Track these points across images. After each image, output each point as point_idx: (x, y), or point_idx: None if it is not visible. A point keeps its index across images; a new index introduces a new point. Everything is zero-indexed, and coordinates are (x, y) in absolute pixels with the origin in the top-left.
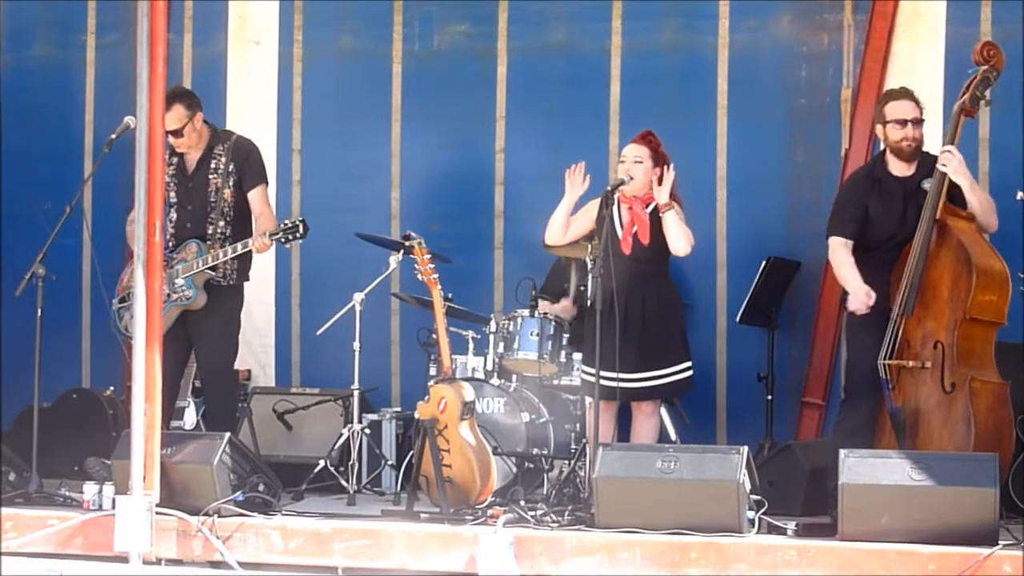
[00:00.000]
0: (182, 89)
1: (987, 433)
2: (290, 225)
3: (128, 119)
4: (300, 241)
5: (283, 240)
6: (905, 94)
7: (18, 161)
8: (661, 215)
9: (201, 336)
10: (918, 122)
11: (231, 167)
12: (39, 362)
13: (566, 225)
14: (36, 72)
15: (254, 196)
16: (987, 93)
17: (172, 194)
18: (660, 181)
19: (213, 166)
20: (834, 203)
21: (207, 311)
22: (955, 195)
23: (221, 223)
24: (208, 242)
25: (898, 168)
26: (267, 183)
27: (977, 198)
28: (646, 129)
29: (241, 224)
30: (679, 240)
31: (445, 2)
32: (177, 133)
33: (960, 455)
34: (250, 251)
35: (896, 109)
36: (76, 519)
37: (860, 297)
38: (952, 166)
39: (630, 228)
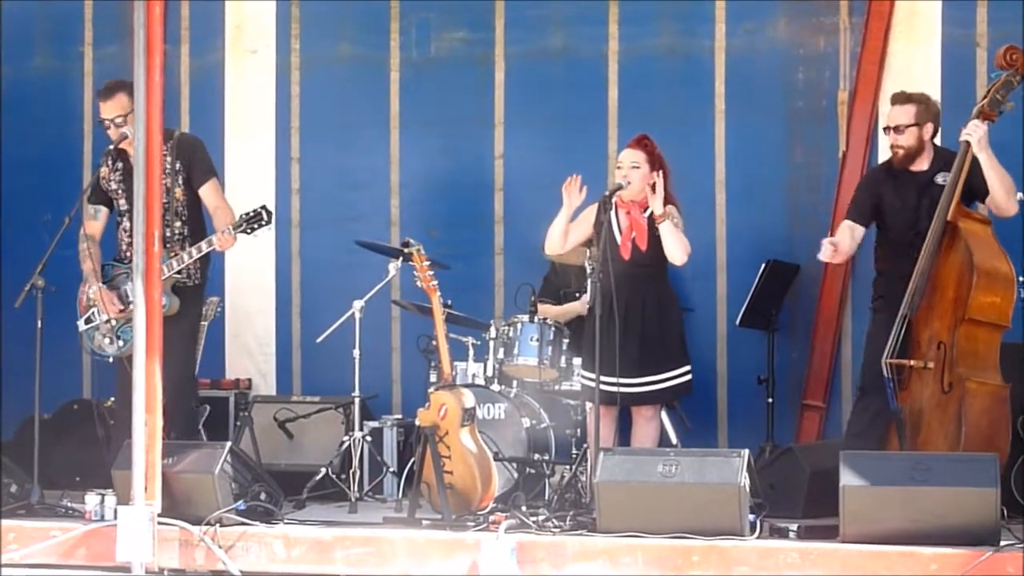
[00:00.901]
0: (126, 80)
1: (977, 434)
2: (252, 214)
3: (125, 129)
4: (266, 228)
5: (248, 231)
6: (899, 99)
7: (17, 172)
8: (657, 225)
9: (166, 341)
10: (904, 128)
11: (178, 165)
12: (39, 373)
13: (565, 235)
14: (34, 83)
15: (206, 191)
16: (1009, 97)
17: (122, 201)
18: (653, 189)
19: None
20: (854, 193)
21: (176, 316)
22: (972, 184)
23: (177, 224)
24: (168, 245)
25: (912, 164)
26: (217, 176)
27: (997, 174)
28: (642, 133)
29: (197, 222)
30: (675, 250)
31: (442, 8)
32: (121, 123)
33: (961, 456)
34: (212, 249)
35: (889, 115)
36: (78, 530)
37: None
38: (976, 136)
39: (628, 233)
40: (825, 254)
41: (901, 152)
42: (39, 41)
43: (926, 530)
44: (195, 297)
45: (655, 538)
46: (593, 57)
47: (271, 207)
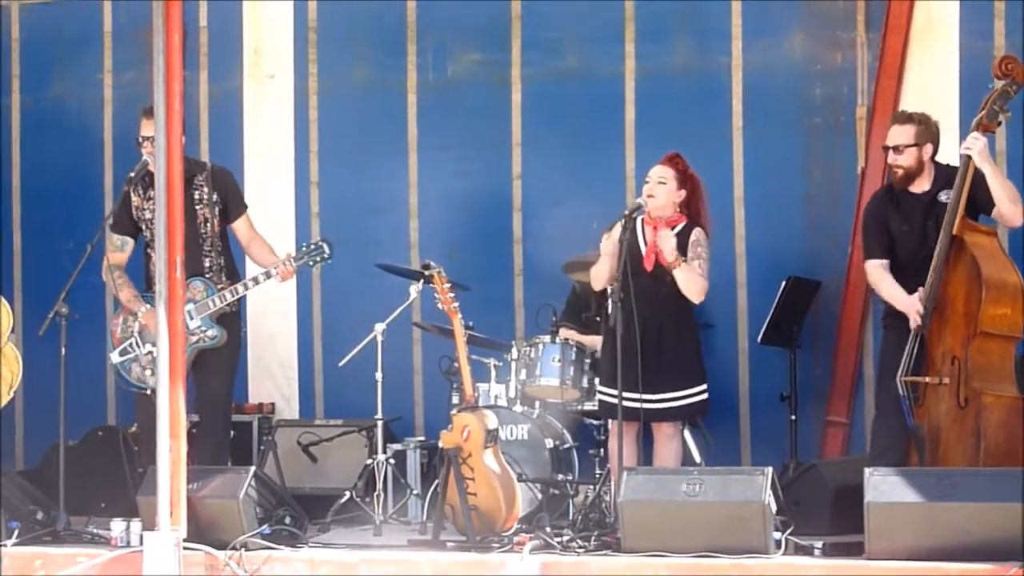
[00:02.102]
0: None
1: (996, 447)
2: (313, 247)
3: (146, 157)
4: (328, 262)
5: (309, 264)
6: (899, 119)
7: (39, 201)
8: (673, 271)
9: (210, 369)
10: (904, 148)
11: (215, 196)
12: (64, 400)
13: (607, 271)
14: (54, 112)
15: (241, 224)
16: (1007, 107)
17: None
18: (686, 204)
19: (197, 197)
20: (862, 228)
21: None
22: (977, 198)
23: (215, 255)
24: (208, 276)
25: (913, 185)
26: (247, 208)
27: (1001, 184)
28: (674, 151)
29: (229, 253)
30: (691, 292)
31: (459, 31)
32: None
33: (986, 470)
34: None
35: (888, 135)
36: (104, 556)
37: (912, 314)
38: (977, 148)
39: (653, 247)
40: (917, 321)
41: (900, 172)
42: (58, 69)
43: (952, 546)
44: (235, 325)
45: (680, 557)
46: (609, 76)
47: (329, 241)
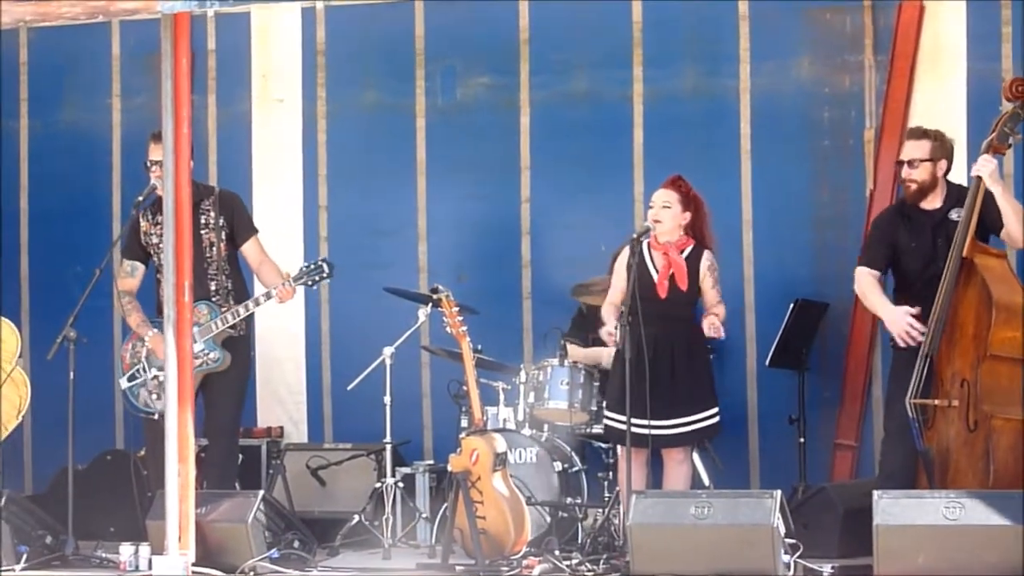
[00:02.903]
0: None
1: (1006, 471)
2: (313, 267)
3: (154, 181)
4: (327, 281)
5: (309, 283)
6: (914, 134)
7: (47, 225)
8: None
9: (217, 392)
10: (919, 162)
11: (221, 220)
12: (72, 424)
13: (615, 307)
14: (63, 136)
15: (250, 247)
16: (1017, 129)
17: (164, 254)
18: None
19: (203, 221)
20: (866, 237)
21: (226, 368)
22: (986, 218)
23: (222, 278)
24: (215, 299)
25: (925, 201)
26: (257, 232)
27: (1011, 205)
28: (676, 174)
29: (239, 276)
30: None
31: (467, 54)
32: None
33: (992, 493)
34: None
35: (903, 149)
36: None
37: (898, 320)
38: (987, 171)
39: (666, 272)
40: (904, 338)
41: (914, 186)
42: (67, 93)
43: (961, 568)
44: (243, 349)
45: None
46: (618, 100)
47: (329, 260)
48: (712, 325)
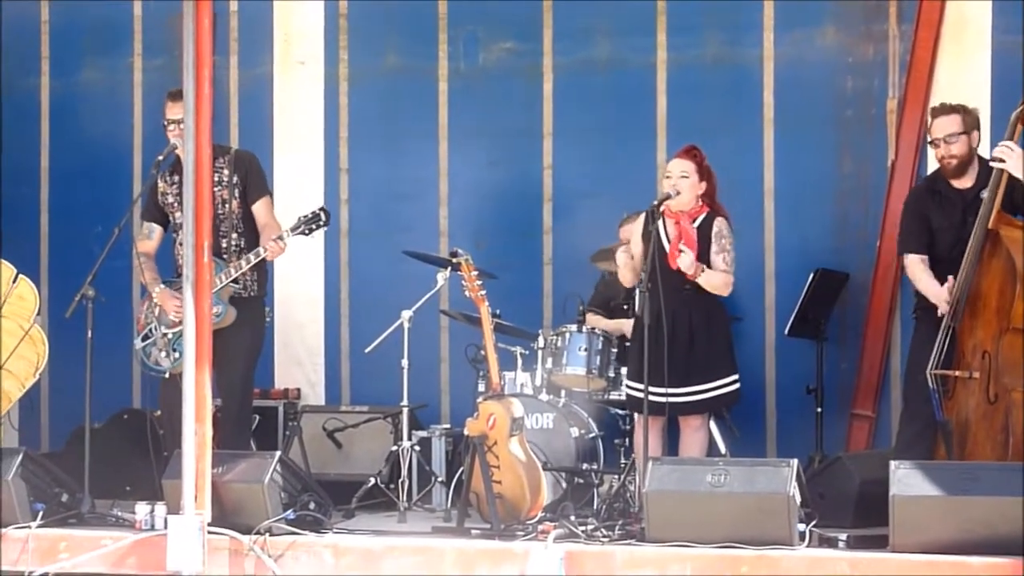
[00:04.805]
0: None
1: None
2: (311, 215)
3: (174, 141)
4: (324, 229)
5: (306, 232)
6: (943, 110)
7: (67, 184)
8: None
9: (228, 351)
10: (955, 136)
11: (235, 179)
12: (90, 383)
13: (629, 266)
14: (84, 96)
15: (259, 208)
16: None
17: (179, 214)
18: (706, 195)
19: (216, 179)
20: (900, 221)
21: (236, 326)
22: (1016, 199)
23: (233, 235)
24: (224, 256)
25: (957, 180)
26: (271, 195)
27: None
28: (690, 143)
29: (253, 235)
30: (717, 289)
31: (490, 19)
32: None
33: (1011, 465)
34: (265, 261)
35: (935, 128)
36: (128, 539)
37: (940, 303)
38: (1011, 160)
39: (677, 242)
40: (945, 309)
41: (955, 162)
42: (88, 54)
43: (977, 539)
44: (254, 309)
45: (704, 547)
46: (641, 67)
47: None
48: (681, 260)
